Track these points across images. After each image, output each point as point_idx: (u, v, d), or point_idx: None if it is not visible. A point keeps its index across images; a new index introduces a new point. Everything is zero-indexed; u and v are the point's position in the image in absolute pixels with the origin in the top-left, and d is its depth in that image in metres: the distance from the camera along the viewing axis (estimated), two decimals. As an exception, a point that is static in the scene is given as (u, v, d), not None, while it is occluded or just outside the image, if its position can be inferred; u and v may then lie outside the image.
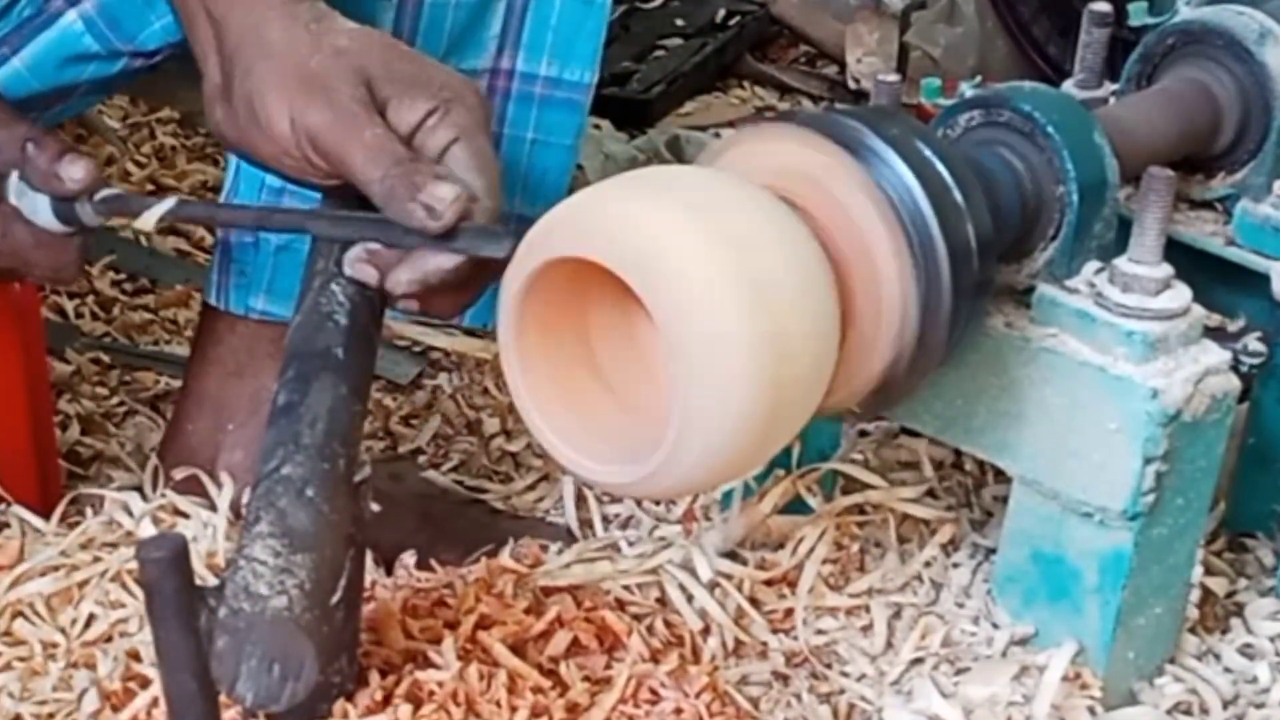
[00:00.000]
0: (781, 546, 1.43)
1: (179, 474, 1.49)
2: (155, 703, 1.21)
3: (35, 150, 1.22)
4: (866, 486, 1.46)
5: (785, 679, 1.34)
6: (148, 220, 1.23)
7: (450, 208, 1.14)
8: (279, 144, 1.19)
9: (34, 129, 1.25)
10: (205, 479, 1.46)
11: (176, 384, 1.70)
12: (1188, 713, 1.36)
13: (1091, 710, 1.31)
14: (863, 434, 1.54)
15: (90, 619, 1.32)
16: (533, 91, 1.48)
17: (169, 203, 1.24)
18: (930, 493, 1.49)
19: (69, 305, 1.89)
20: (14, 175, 1.24)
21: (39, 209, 1.24)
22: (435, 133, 1.19)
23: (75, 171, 1.22)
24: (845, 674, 1.35)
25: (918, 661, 1.36)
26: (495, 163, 1.20)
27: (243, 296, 1.51)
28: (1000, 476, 1.46)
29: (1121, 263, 1.28)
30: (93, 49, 1.45)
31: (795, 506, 1.45)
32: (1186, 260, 1.36)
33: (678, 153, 2.33)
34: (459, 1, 1.43)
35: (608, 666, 1.25)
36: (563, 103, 1.49)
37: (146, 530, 1.41)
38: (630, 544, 1.47)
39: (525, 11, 1.45)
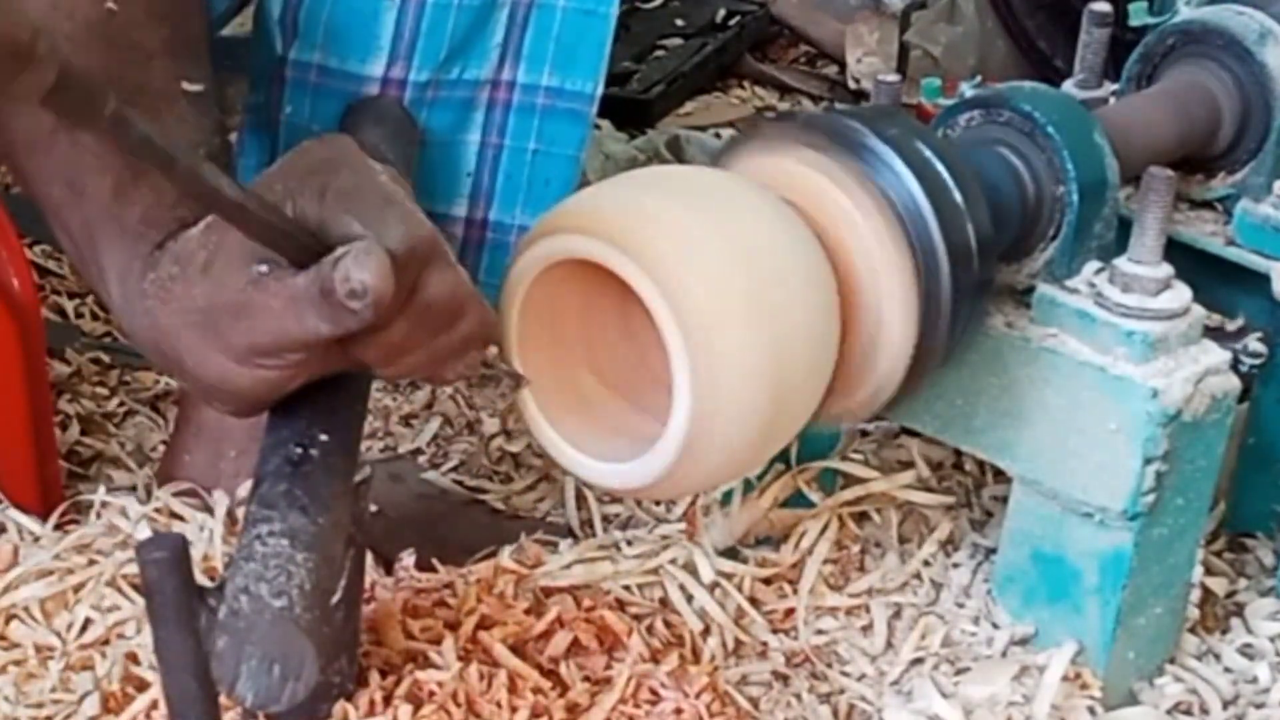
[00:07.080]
0: (785, 539, 1.43)
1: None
2: (154, 705, 1.21)
3: None
4: (867, 483, 1.46)
5: (785, 679, 1.34)
6: None
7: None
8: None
9: None
10: (203, 491, 1.45)
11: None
12: (1188, 713, 1.36)
13: (1091, 710, 1.31)
14: (863, 434, 1.54)
15: (86, 623, 1.32)
16: (534, 102, 1.48)
17: None
18: (928, 491, 1.49)
19: (69, 305, 1.89)
20: None
21: None
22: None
23: None
24: (845, 674, 1.35)
25: (918, 661, 1.36)
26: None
27: None
28: (1000, 476, 1.46)
29: (1121, 263, 1.28)
30: None
31: (795, 503, 1.45)
32: (1186, 260, 1.36)
33: (678, 153, 2.33)
34: (462, 4, 1.43)
35: (608, 666, 1.25)
36: (565, 113, 1.48)
37: (143, 534, 1.41)
38: (630, 544, 1.47)
39: (526, 22, 1.45)
